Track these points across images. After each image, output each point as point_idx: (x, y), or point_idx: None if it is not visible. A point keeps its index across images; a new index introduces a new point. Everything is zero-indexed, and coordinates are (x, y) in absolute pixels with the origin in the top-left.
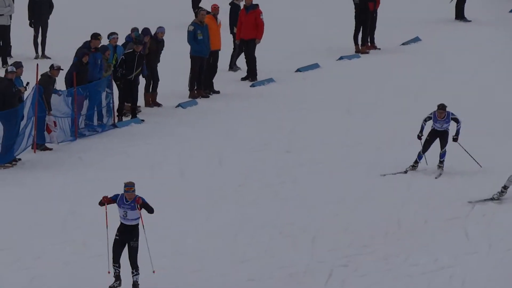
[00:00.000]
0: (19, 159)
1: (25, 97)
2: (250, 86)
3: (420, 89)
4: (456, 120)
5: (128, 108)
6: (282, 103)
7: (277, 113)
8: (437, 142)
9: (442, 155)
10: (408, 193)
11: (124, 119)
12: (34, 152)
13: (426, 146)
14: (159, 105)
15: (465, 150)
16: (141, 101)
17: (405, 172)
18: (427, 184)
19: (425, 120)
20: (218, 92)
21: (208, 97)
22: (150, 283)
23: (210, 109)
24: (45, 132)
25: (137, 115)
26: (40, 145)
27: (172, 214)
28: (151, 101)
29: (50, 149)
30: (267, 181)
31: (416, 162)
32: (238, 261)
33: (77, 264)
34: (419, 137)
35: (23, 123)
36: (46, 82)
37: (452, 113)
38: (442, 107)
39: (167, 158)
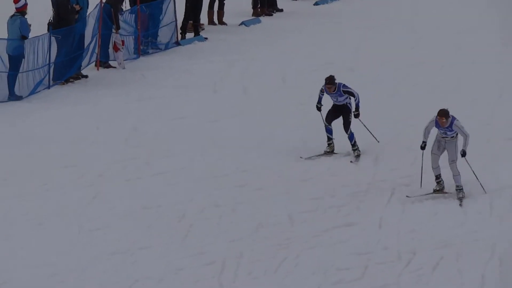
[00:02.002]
0: (86, 76)
1: (88, 15)
2: (314, 5)
3: None
4: (351, 94)
5: (191, 26)
6: (346, 21)
7: (340, 31)
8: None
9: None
10: (471, 111)
11: (187, 37)
12: (97, 69)
13: (328, 118)
14: (224, 24)
15: (364, 125)
16: (204, 19)
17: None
18: (488, 102)
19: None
20: (281, 10)
21: (272, 15)
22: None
23: (273, 27)
24: (110, 50)
25: (200, 33)
26: (103, 62)
27: (235, 130)
28: (218, 20)
29: (114, 67)
30: (330, 100)
31: None
32: (300, 179)
33: (139, 181)
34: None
35: (87, 39)
36: (114, 0)
37: (344, 85)
38: (329, 81)
39: (230, 75)
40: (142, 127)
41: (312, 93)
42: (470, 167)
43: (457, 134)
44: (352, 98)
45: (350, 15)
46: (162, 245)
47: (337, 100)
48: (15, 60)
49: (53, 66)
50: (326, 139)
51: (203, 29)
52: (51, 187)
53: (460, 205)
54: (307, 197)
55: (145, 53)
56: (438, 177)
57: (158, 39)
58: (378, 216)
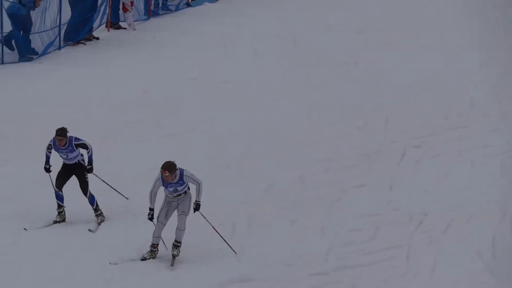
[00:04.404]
0: (97, 38)
1: None
2: None
3: None
4: (84, 146)
5: None
6: None
7: None
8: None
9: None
10: (479, 76)
11: None
12: (108, 31)
13: (58, 182)
14: None
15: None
16: None
17: None
18: None
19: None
20: None
21: None
22: None
23: None
24: (120, 11)
25: None
26: (114, 24)
27: (245, 92)
28: None
29: (124, 28)
30: (340, 61)
31: None
32: (310, 142)
33: (149, 142)
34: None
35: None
36: None
37: (76, 138)
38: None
39: (240, 37)
40: (153, 88)
41: (323, 54)
42: (208, 221)
43: (189, 188)
44: (85, 151)
45: None
46: None
47: (67, 157)
48: (14, 19)
49: (64, 27)
50: (56, 207)
51: None
52: None
53: (172, 264)
54: (316, 159)
55: (155, 14)
56: (155, 246)
57: (169, 0)
58: (389, 177)
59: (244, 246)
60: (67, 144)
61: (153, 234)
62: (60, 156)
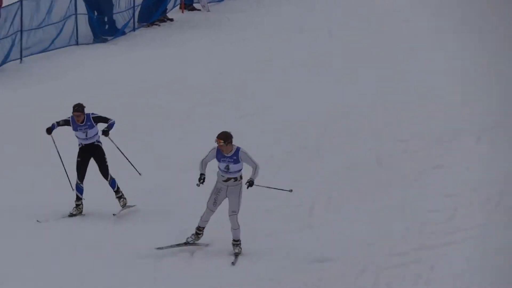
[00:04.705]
0: (171, 19)
1: None
2: None
3: None
4: (104, 120)
5: None
6: None
7: None
8: None
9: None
10: None
11: None
12: (182, 12)
13: (81, 172)
14: None
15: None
16: None
17: None
18: None
19: None
20: None
21: None
22: None
23: None
24: None
25: None
26: (188, 5)
27: (321, 74)
28: None
29: (198, 10)
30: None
31: None
32: (387, 124)
33: (225, 123)
34: None
35: None
36: None
37: (93, 113)
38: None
39: (314, 19)
40: (228, 69)
41: (398, 38)
42: (266, 186)
43: (241, 177)
44: (105, 124)
45: None
46: None
47: (86, 136)
48: (88, 1)
49: (138, 9)
50: (75, 199)
51: None
52: (137, 129)
53: (233, 263)
54: (394, 140)
55: None
56: (200, 229)
57: None
58: (466, 158)
59: (323, 227)
60: (85, 120)
61: (201, 218)
62: (78, 137)
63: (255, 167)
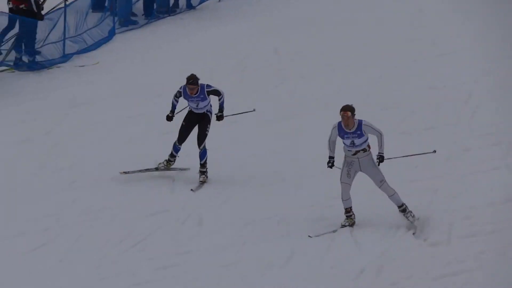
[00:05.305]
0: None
1: None
2: None
3: None
4: (217, 93)
5: None
6: None
7: None
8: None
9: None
10: None
11: None
12: None
13: (183, 134)
14: None
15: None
16: None
17: None
18: None
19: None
20: None
21: None
22: None
23: None
24: None
25: None
26: None
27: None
28: None
29: None
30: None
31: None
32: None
33: (426, 61)
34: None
35: None
36: None
37: (207, 85)
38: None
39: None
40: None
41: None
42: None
43: (369, 146)
44: (216, 98)
45: None
46: (449, 125)
47: (197, 106)
48: None
49: None
50: (169, 154)
51: None
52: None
53: (414, 233)
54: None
55: None
56: (349, 210)
57: None
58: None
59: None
60: (198, 92)
61: (342, 198)
62: (189, 104)
63: (380, 137)
